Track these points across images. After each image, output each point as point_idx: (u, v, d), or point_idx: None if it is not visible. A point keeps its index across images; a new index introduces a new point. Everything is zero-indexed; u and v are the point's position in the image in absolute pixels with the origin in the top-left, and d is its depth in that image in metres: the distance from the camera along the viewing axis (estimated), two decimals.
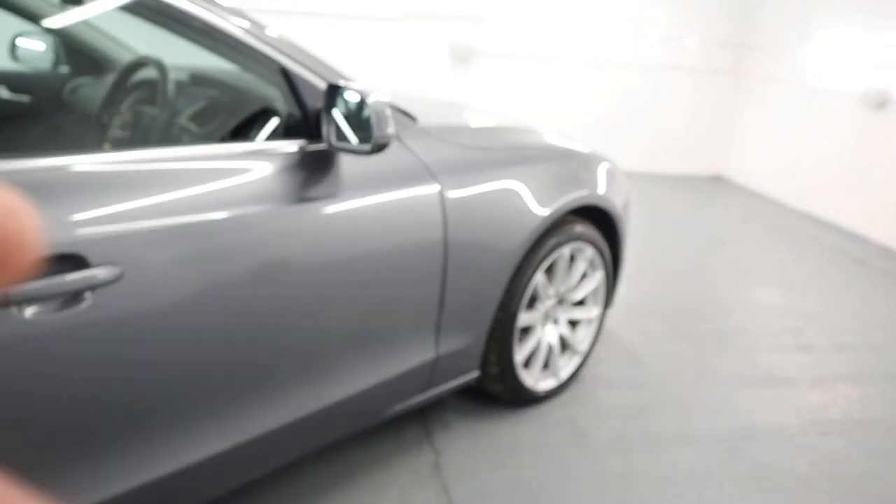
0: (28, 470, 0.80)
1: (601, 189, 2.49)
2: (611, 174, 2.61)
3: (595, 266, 2.53)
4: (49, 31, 2.49)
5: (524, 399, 2.45)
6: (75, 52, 2.51)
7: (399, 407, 2.00)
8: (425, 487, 2.04)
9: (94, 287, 1.22)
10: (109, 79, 2.13)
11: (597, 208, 2.47)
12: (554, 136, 2.55)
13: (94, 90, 2.39)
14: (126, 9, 1.67)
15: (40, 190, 1.20)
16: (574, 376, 2.62)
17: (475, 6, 5.68)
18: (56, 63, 2.57)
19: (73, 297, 1.21)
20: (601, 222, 2.55)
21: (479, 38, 5.74)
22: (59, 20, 2.24)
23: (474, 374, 2.22)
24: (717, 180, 6.86)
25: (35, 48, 2.57)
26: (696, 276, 4.11)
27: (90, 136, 1.94)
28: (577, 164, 2.46)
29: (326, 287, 1.65)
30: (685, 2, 6.23)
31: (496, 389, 2.36)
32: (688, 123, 6.59)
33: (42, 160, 1.25)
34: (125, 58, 2.48)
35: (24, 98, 2.40)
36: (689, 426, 2.47)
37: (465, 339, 2.08)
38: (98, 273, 1.23)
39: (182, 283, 1.35)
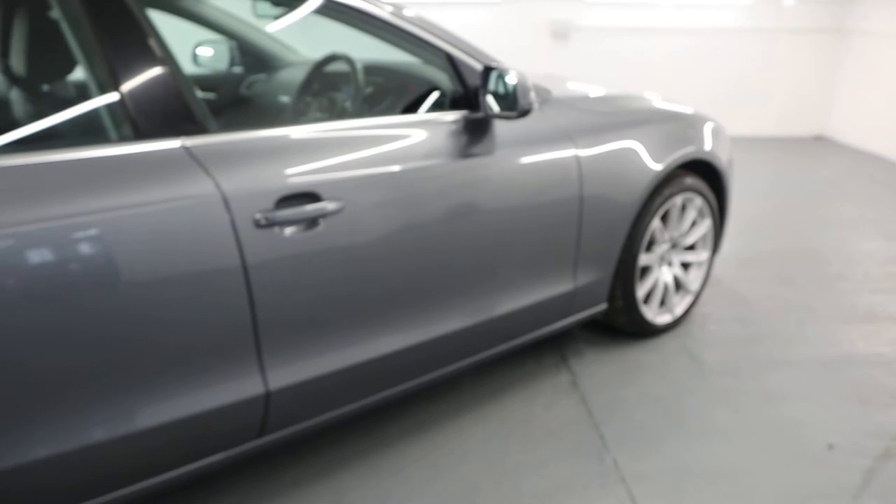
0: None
1: (707, 145, 2.82)
2: (715, 132, 2.93)
3: (703, 214, 2.87)
4: (226, 38, 3.02)
5: (644, 331, 2.83)
6: (247, 54, 3.03)
7: (547, 329, 2.42)
8: (566, 399, 2.46)
9: (325, 216, 1.70)
10: (293, 72, 2.63)
11: (704, 162, 2.80)
12: (661, 101, 2.88)
13: (269, 84, 2.90)
14: (322, 13, 2.12)
15: (280, 151, 1.69)
16: (687, 313, 2.98)
17: None
18: (231, 65, 3.10)
19: (312, 222, 1.68)
20: (708, 176, 2.87)
21: (578, 14, 6.03)
22: (262, 26, 2.73)
23: (603, 306, 2.61)
24: (820, 140, 6.92)
25: (212, 54, 3.11)
26: (799, 228, 4.33)
27: (289, 116, 2.43)
28: (684, 124, 2.79)
29: (486, 224, 2.09)
30: None
31: (620, 321, 2.75)
32: (789, 85, 6.68)
33: (275, 130, 1.74)
34: (288, 56, 2.99)
35: (211, 95, 2.92)
36: (792, 353, 2.78)
37: (596, 275, 2.48)
38: (327, 206, 1.70)
39: (384, 216, 1.83)
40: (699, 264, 2.96)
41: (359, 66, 2.22)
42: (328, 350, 1.80)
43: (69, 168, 1.43)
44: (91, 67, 1.56)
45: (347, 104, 2.22)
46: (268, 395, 1.71)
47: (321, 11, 1.96)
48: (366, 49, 2.18)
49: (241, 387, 1.67)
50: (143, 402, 1.53)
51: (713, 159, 2.83)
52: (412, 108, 2.19)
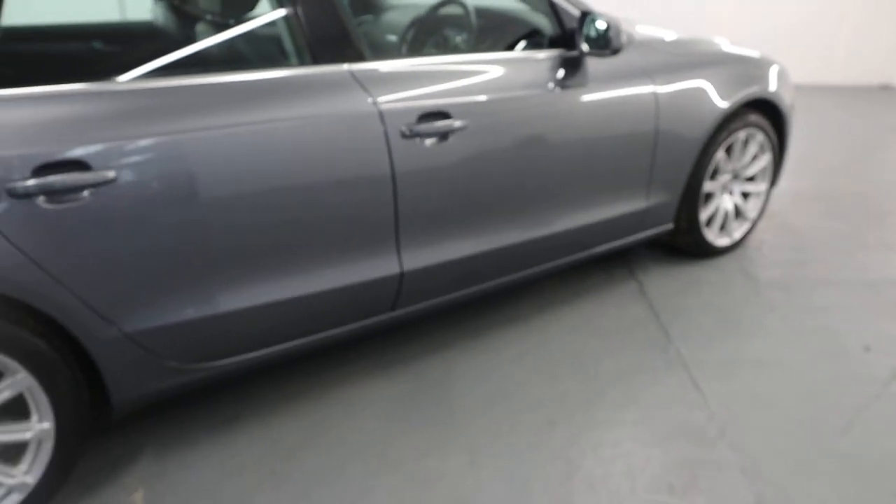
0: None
1: (771, 87, 3.12)
2: (780, 75, 3.22)
3: (764, 149, 3.19)
4: None
5: (705, 252, 3.19)
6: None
7: (623, 240, 2.82)
8: (635, 303, 2.87)
9: (453, 131, 2.11)
10: (406, 13, 3.01)
11: (767, 102, 3.11)
12: (729, 45, 3.18)
13: (381, 25, 3.28)
14: None
15: (418, 78, 2.10)
16: (744, 238, 3.33)
17: None
18: None
19: (444, 135, 2.10)
20: (771, 115, 3.18)
21: None
22: None
23: (669, 226, 2.98)
24: (886, 89, 7.00)
25: None
26: (856, 170, 4.58)
27: (407, 52, 2.83)
28: (750, 66, 3.09)
29: (572, 150, 2.47)
30: None
31: (684, 241, 3.12)
32: (855, 34, 6.75)
33: (414, 60, 2.17)
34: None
35: None
36: (838, 275, 3.11)
37: (665, 197, 2.85)
38: (455, 123, 2.11)
39: (498, 133, 2.24)
40: (758, 194, 3.29)
41: (471, 8, 2.60)
42: (450, 242, 2.24)
43: (263, 85, 1.88)
44: (280, 7, 1.99)
45: (461, 41, 2.60)
46: (402, 275, 2.17)
47: None
48: None
49: (382, 266, 2.12)
50: (311, 273, 1.99)
51: (776, 99, 3.13)
52: (514, 46, 2.57)
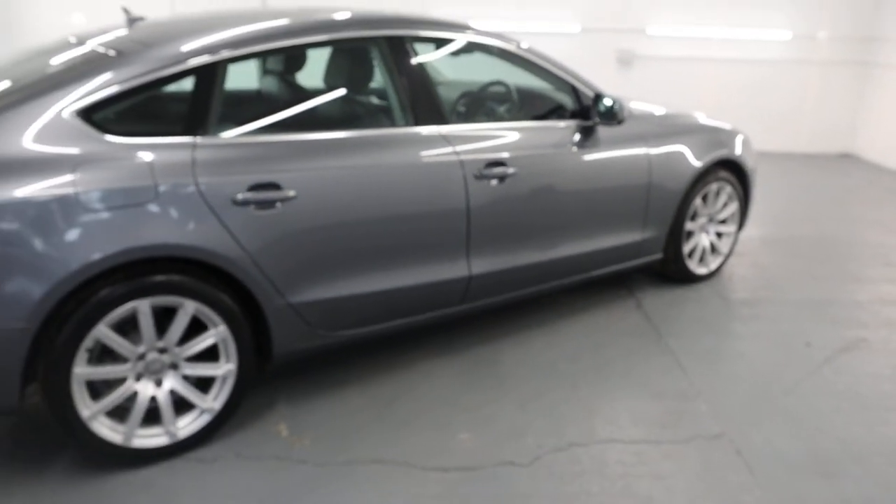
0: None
1: (737, 151, 4.04)
2: (744, 142, 4.15)
3: (732, 198, 4.10)
4: None
5: (687, 278, 4.05)
6: None
7: (623, 264, 3.66)
8: (634, 313, 3.71)
9: (507, 176, 2.99)
10: (460, 90, 3.92)
11: (733, 162, 4.02)
12: (705, 118, 4.12)
13: (450, 101, 4.13)
14: (482, 50, 3.35)
15: (482, 136, 2.98)
16: (719, 269, 4.20)
17: (638, 20, 7.22)
18: None
19: (502, 178, 2.97)
20: (737, 172, 4.09)
21: (641, 45, 7.28)
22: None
23: (659, 255, 3.85)
24: (846, 157, 8.02)
25: None
26: (816, 222, 5.48)
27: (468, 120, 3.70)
28: (721, 135, 4.01)
29: (588, 193, 3.35)
30: (818, 2, 7.44)
31: (671, 269, 3.98)
32: (820, 109, 7.79)
33: (477, 125, 3.08)
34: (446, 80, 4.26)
35: None
36: (791, 297, 3.97)
37: (656, 232, 3.72)
38: (509, 170, 2.99)
39: (535, 178, 3.10)
40: (728, 234, 4.18)
41: (513, 87, 3.51)
42: (503, 254, 3.09)
43: (384, 138, 2.77)
44: (394, 86, 2.88)
45: (503, 111, 3.50)
46: (470, 277, 3.01)
47: (499, 55, 3.25)
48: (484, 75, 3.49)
49: (456, 269, 2.97)
50: (410, 271, 2.84)
51: (741, 160, 4.05)
52: (543, 116, 3.48)
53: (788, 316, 3.73)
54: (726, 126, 4.13)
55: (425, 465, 2.49)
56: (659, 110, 4.01)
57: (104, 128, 2.31)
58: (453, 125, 2.96)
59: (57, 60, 2.59)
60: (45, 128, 2.24)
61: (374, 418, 2.76)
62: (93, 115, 2.31)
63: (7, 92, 2.34)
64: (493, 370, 3.12)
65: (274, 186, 2.48)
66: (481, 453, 2.55)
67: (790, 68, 7.61)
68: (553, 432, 2.68)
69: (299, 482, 2.40)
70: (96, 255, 2.19)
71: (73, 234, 2.17)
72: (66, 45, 2.77)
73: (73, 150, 2.24)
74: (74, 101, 2.29)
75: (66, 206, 2.17)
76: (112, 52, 2.49)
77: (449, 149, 2.88)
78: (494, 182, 2.97)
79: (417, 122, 2.87)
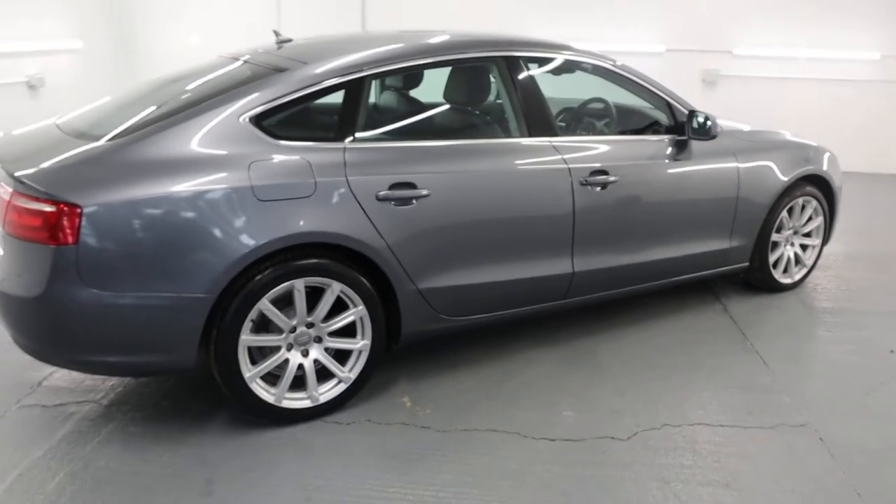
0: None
1: (823, 167, 4.25)
2: (830, 159, 4.35)
3: (817, 213, 4.29)
4: None
5: (772, 287, 4.27)
6: None
7: (711, 271, 3.92)
8: (720, 316, 3.96)
9: (609, 183, 3.30)
10: (564, 106, 4.25)
11: (819, 177, 4.22)
12: (791, 135, 4.33)
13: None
14: (585, 70, 3.69)
15: (586, 147, 3.32)
16: (803, 280, 4.39)
17: (725, 42, 7.42)
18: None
19: (604, 186, 3.29)
20: (823, 188, 4.29)
21: (726, 65, 7.48)
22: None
23: (745, 264, 4.08)
24: None
25: None
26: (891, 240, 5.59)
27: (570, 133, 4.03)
28: (807, 151, 4.22)
29: (681, 202, 3.64)
30: None
31: (756, 277, 4.21)
32: None
33: (580, 137, 3.41)
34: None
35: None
36: (875, 308, 4.12)
37: (743, 241, 3.96)
38: (610, 178, 3.30)
39: (633, 187, 3.40)
40: (813, 247, 4.38)
41: (612, 104, 3.83)
42: (603, 255, 3.41)
43: (503, 147, 3.15)
44: (511, 100, 3.24)
45: (602, 126, 3.82)
46: (573, 274, 3.33)
47: (599, 73, 3.58)
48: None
49: (561, 266, 3.29)
50: (521, 265, 3.18)
51: (826, 176, 4.25)
52: (640, 131, 3.78)
53: (872, 325, 3.90)
54: (813, 143, 4.34)
55: (534, 435, 2.82)
56: (746, 127, 4.25)
57: (271, 133, 2.74)
58: (562, 137, 3.30)
59: (223, 77, 3.04)
60: (226, 131, 2.68)
61: (484, 396, 3.10)
62: (262, 122, 2.74)
63: (187, 104, 2.79)
64: (592, 360, 3.42)
65: (411, 186, 2.86)
66: (584, 428, 2.86)
67: (878, 88, 7.65)
68: (648, 414, 2.97)
69: (426, 444, 2.76)
70: (265, 239, 2.60)
71: (247, 221, 2.59)
72: (226, 64, 3.23)
73: (248, 150, 2.67)
74: (248, 110, 2.73)
75: (242, 197, 2.59)
76: (274, 69, 2.93)
77: (558, 157, 3.21)
78: (598, 189, 3.29)
79: (531, 134, 3.22)
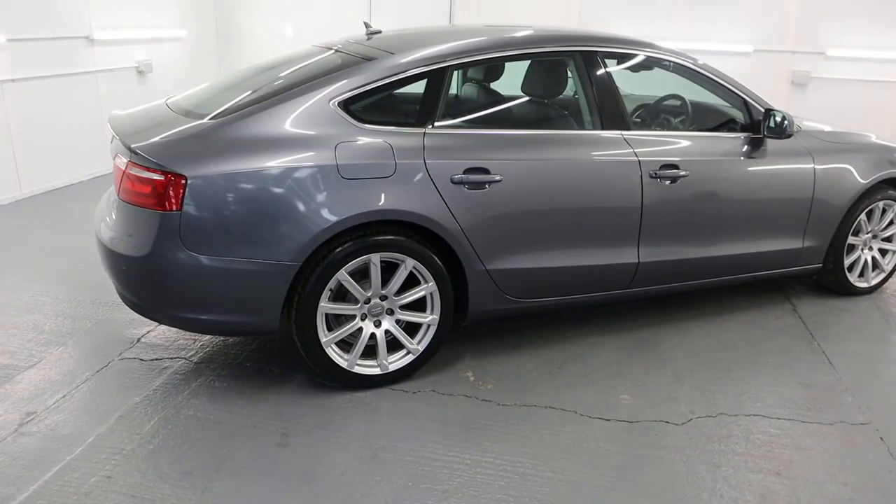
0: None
1: None
2: None
3: None
4: None
5: (846, 291, 4.22)
6: None
7: (784, 270, 3.91)
8: (788, 315, 3.95)
9: (679, 177, 3.36)
10: (641, 102, 4.31)
11: None
12: (875, 137, 4.26)
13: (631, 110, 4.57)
14: (674, 71, 3.75)
15: (655, 142, 3.39)
16: (879, 285, 4.32)
17: (817, 44, 7.26)
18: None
19: (674, 180, 3.36)
20: None
21: (817, 67, 7.30)
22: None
23: (819, 265, 4.06)
24: None
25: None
26: None
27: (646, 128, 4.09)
28: (891, 154, 4.14)
29: (753, 200, 3.65)
30: None
31: (829, 280, 4.17)
32: None
33: (651, 131, 3.51)
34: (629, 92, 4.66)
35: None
36: None
37: (816, 242, 3.94)
38: (680, 172, 3.37)
39: (705, 182, 3.46)
40: (893, 252, 4.30)
41: (688, 101, 3.88)
42: (670, 247, 3.48)
43: (577, 138, 3.26)
44: (585, 94, 3.36)
45: (677, 122, 3.88)
46: (638, 264, 3.42)
47: (675, 70, 3.64)
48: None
49: (627, 255, 3.39)
50: (589, 251, 3.29)
51: None
52: (716, 129, 3.82)
53: None
54: None
55: (591, 414, 2.94)
56: (827, 127, 4.21)
57: (358, 117, 2.95)
58: (634, 131, 3.39)
59: (316, 64, 3.27)
60: (316, 114, 2.90)
61: (545, 376, 3.23)
62: (350, 106, 2.95)
63: (282, 88, 3.02)
64: (653, 349, 3.50)
65: (484, 171, 3.02)
66: (639, 411, 2.96)
67: None
68: (705, 402, 3.04)
69: (486, 416, 2.92)
70: (346, 214, 2.81)
71: (331, 197, 2.81)
72: (319, 53, 3.46)
73: (336, 132, 2.88)
74: (338, 95, 2.94)
75: (328, 175, 2.81)
76: (363, 58, 3.14)
77: (629, 150, 3.31)
78: (667, 182, 3.36)
79: (604, 127, 3.33)
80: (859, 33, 7.24)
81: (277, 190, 2.75)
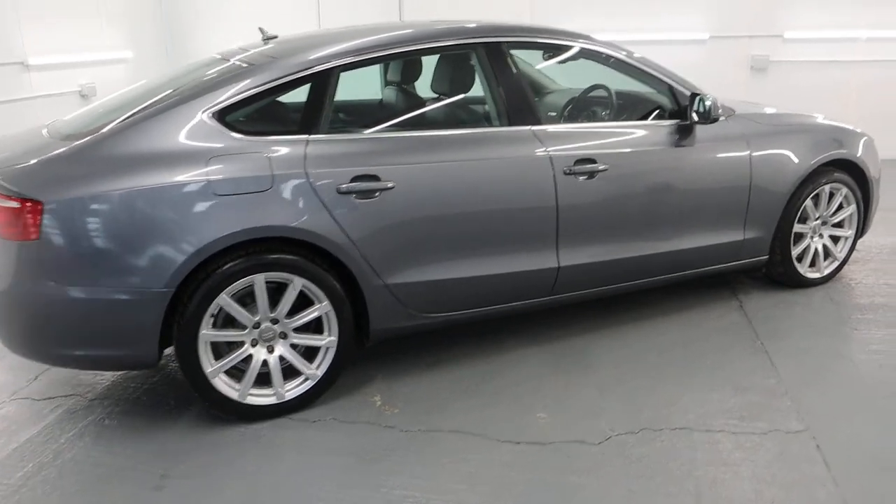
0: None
1: (856, 152, 3.91)
2: (866, 144, 4.01)
3: (849, 201, 3.96)
4: None
5: (797, 283, 3.96)
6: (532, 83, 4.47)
7: (724, 265, 3.66)
8: (734, 313, 3.70)
9: (597, 172, 3.11)
10: (565, 95, 4.07)
11: (851, 163, 3.89)
12: (824, 118, 4.01)
13: (549, 103, 4.32)
14: (587, 57, 3.50)
15: (573, 136, 3.14)
16: (833, 275, 4.06)
17: (774, 26, 7.02)
18: None
19: (591, 175, 3.11)
20: (855, 175, 3.95)
21: (776, 50, 7.07)
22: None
23: (764, 257, 3.80)
24: None
25: None
26: None
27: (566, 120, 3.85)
28: (837, 134, 3.89)
29: (683, 192, 3.40)
30: None
31: (778, 272, 3.91)
32: None
33: (570, 124, 3.26)
34: (552, 84, 4.43)
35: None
36: None
37: (759, 233, 3.68)
38: (599, 166, 3.12)
39: (630, 175, 3.21)
40: (845, 239, 4.04)
41: (613, 90, 3.64)
42: (592, 248, 3.22)
43: (479, 136, 3.01)
44: (490, 88, 3.11)
45: (604, 113, 3.63)
46: (558, 269, 3.17)
47: (591, 57, 3.40)
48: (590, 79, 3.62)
49: (546, 260, 3.13)
50: (501, 259, 3.04)
51: (858, 161, 3.91)
52: (642, 117, 3.58)
53: None
54: (848, 126, 4.01)
55: (500, 437, 2.68)
56: (770, 109, 3.97)
57: (235, 128, 2.71)
58: (546, 125, 3.14)
59: (198, 74, 3.03)
60: (188, 127, 2.68)
61: (460, 396, 2.98)
62: (226, 117, 2.72)
63: (159, 100, 2.79)
64: (581, 359, 3.25)
65: (374, 178, 2.78)
66: (554, 430, 2.71)
67: None
68: (628, 417, 2.78)
69: (386, 444, 2.67)
70: (221, 233, 2.58)
71: (204, 215, 2.58)
72: (212, 62, 3.23)
73: (209, 146, 2.65)
74: (211, 106, 2.71)
75: (199, 192, 2.57)
76: (246, 65, 2.90)
77: (539, 146, 3.06)
78: (583, 178, 3.11)
79: (511, 122, 3.08)
80: (816, 13, 7.01)
81: (145, 211, 2.53)
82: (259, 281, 2.69)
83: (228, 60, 3.08)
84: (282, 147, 2.72)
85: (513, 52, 3.20)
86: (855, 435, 2.65)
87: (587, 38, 3.40)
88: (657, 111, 3.53)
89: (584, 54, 3.40)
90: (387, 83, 3.92)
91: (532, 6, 7.48)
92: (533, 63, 3.89)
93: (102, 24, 7.27)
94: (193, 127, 2.67)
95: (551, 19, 7.13)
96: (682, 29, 7.17)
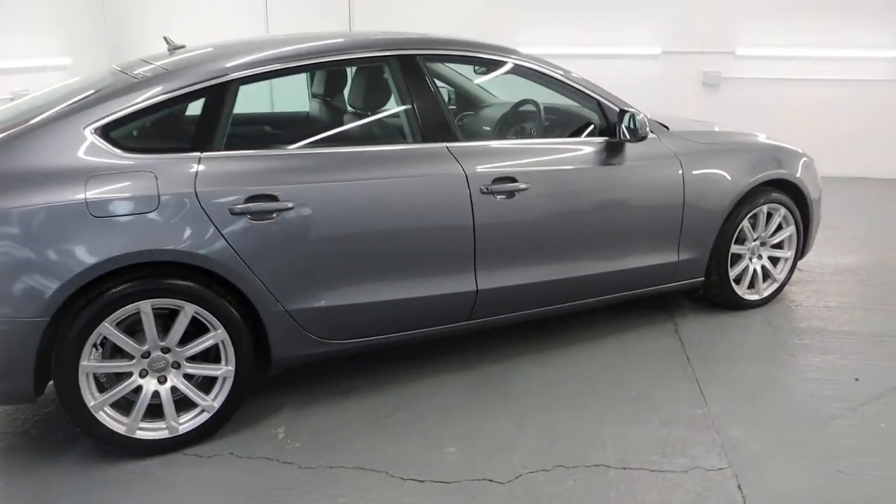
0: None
1: (796, 172, 3.81)
2: (805, 165, 3.91)
3: (788, 221, 3.85)
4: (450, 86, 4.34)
5: (736, 305, 3.83)
6: (460, 97, 4.35)
7: (659, 287, 3.52)
8: (668, 337, 3.55)
9: (518, 191, 2.96)
10: (497, 110, 3.92)
11: (789, 183, 3.78)
12: (765, 138, 3.90)
13: (476, 118, 4.21)
14: (517, 73, 3.36)
15: (493, 153, 2.99)
16: (773, 296, 3.94)
17: (726, 42, 6.97)
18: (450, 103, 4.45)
19: (511, 194, 2.96)
20: (794, 195, 3.84)
21: (728, 67, 7.01)
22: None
23: (700, 279, 3.67)
24: None
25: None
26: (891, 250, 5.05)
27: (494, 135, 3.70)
28: (776, 154, 3.79)
29: (611, 211, 3.26)
30: None
31: (716, 294, 3.78)
32: None
33: (493, 141, 3.12)
34: (488, 99, 4.29)
35: None
36: (851, 328, 3.64)
37: (695, 253, 3.55)
38: (520, 185, 2.96)
39: (554, 196, 3.06)
40: (785, 260, 3.93)
41: (542, 106, 3.49)
42: (513, 271, 3.06)
43: (389, 154, 2.83)
44: (403, 102, 2.95)
45: (533, 130, 3.49)
46: (477, 292, 3.00)
47: (516, 72, 3.26)
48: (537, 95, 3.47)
49: (463, 283, 2.96)
50: (413, 282, 2.86)
51: (798, 182, 3.80)
52: (572, 134, 3.44)
53: (842, 348, 3.45)
54: (788, 146, 3.92)
55: (404, 474, 2.50)
56: (709, 128, 3.86)
57: (120, 145, 2.51)
58: (463, 142, 2.98)
59: (86, 87, 2.81)
60: (67, 144, 2.46)
61: (368, 428, 2.79)
62: (110, 133, 2.52)
63: (41, 114, 2.57)
64: (501, 387, 3.08)
65: (272, 198, 2.59)
66: (462, 468, 2.53)
67: (891, 88, 7.05)
68: (543, 452, 2.61)
69: (282, 482, 2.47)
70: (101, 257, 2.38)
71: (79, 239, 2.37)
72: (106, 75, 3.02)
73: (89, 164, 2.44)
74: (94, 121, 2.51)
75: (76, 214, 2.37)
76: (138, 78, 2.70)
77: (454, 164, 2.90)
78: (502, 197, 2.96)
79: (424, 139, 2.92)
80: (768, 30, 6.97)
81: (15, 234, 2.32)
82: (145, 308, 2.48)
83: (126, 73, 2.88)
84: (170, 165, 2.53)
85: (432, 65, 3.04)
86: (778, 472, 2.50)
87: (513, 51, 3.25)
88: (590, 128, 3.39)
89: (509, 69, 3.25)
90: (312, 96, 3.75)
91: (485, 20, 7.37)
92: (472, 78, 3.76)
93: (38, 29, 7.01)
94: (74, 143, 2.47)
95: (504, 33, 7.02)
96: (635, 44, 7.10)
